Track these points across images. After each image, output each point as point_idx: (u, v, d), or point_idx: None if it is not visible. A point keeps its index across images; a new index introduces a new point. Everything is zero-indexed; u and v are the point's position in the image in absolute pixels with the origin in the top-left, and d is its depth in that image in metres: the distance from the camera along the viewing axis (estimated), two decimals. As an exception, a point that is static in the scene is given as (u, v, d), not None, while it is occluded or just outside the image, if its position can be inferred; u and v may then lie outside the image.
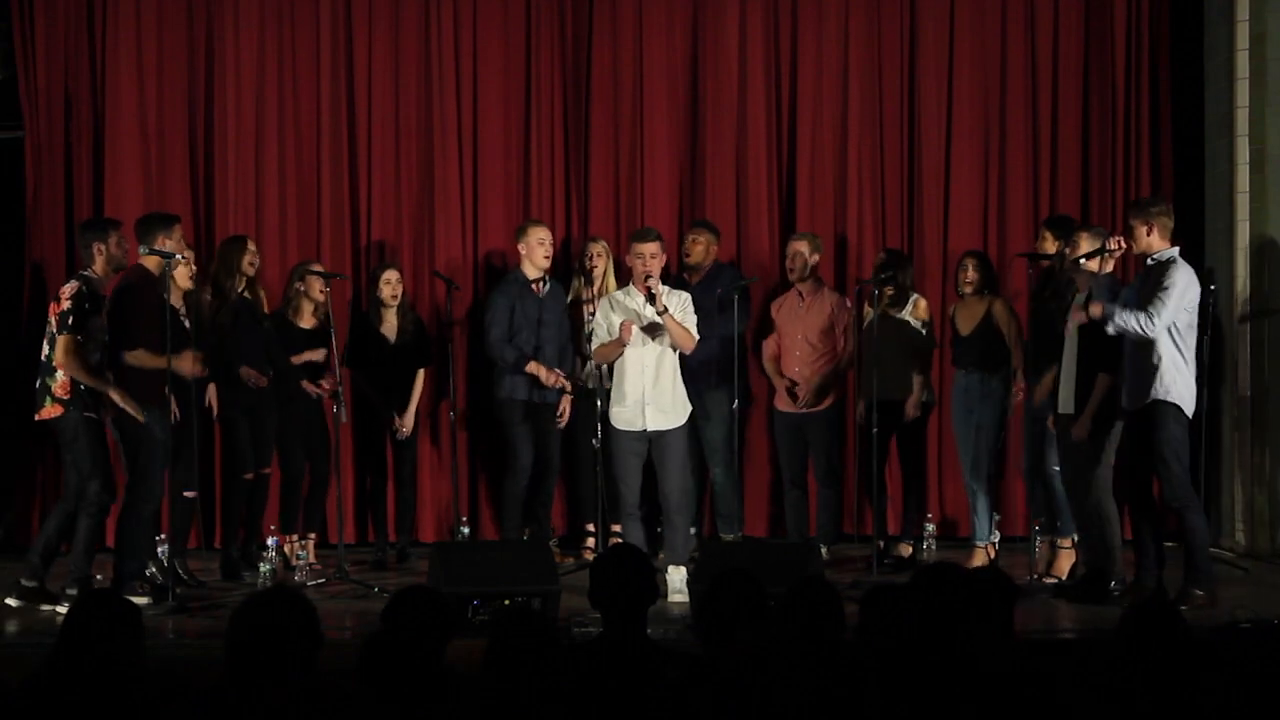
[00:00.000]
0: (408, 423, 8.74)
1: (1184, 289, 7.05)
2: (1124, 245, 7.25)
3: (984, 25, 9.52)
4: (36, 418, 7.29)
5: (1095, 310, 7.08)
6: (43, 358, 7.25)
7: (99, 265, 7.25)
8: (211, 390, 8.12)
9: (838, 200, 9.52)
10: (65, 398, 7.15)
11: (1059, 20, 9.52)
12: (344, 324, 8.81)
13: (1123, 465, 7.41)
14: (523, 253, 8.69)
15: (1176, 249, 7.24)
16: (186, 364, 7.40)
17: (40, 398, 7.24)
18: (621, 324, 7.63)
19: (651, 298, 7.57)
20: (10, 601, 7.22)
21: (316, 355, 8.37)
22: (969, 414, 8.40)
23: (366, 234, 9.39)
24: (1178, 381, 7.07)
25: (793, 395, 8.62)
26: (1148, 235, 7.18)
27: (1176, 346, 7.08)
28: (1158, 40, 9.51)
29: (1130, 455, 7.29)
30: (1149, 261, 7.20)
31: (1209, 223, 9.27)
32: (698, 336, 7.73)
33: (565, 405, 8.72)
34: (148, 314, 7.22)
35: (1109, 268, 7.36)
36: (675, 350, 7.74)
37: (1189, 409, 7.14)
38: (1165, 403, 7.06)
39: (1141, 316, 6.99)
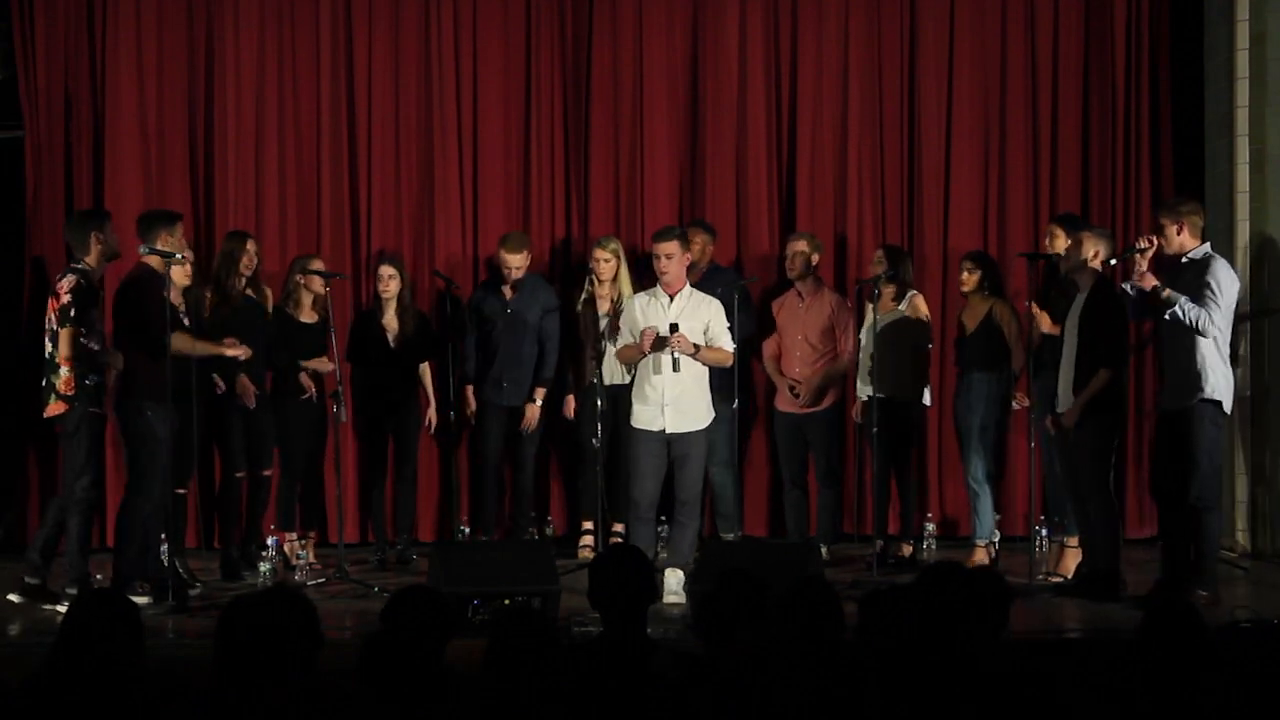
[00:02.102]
0: (431, 416, 8.80)
1: (1227, 286, 7.12)
2: (1153, 243, 7.29)
3: (984, 25, 9.52)
4: (44, 415, 7.30)
5: (1165, 294, 7.08)
6: (47, 355, 7.25)
7: (94, 257, 7.25)
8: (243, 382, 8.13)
9: (838, 200, 9.52)
10: (70, 394, 7.16)
11: (1059, 20, 9.53)
12: (345, 323, 8.83)
13: (1155, 463, 7.44)
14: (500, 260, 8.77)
15: (1208, 245, 7.30)
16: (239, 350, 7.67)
17: (45, 395, 7.25)
18: (643, 332, 7.56)
19: (674, 353, 7.48)
20: (12, 597, 7.23)
21: (322, 366, 8.35)
22: (970, 413, 8.41)
23: (366, 234, 9.39)
24: (1219, 380, 7.12)
25: (794, 394, 8.62)
26: (1179, 234, 7.23)
27: (1215, 343, 7.13)
28: (1158, 40, 9.51)
29: (1164, 454, 7.31)
30: (1183, 260, 7.24)
31: (1209, 223, 9.24)
32: (731, 347, 7.67)
33: (530, 414, 8.74)
34: (159, 314, 7.22)
35: (1142, 268, 7.38)
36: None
37: (1228, 405, 7.20)
38: (1207, 402, 7.11)
39: (1203, 316, 7.01)
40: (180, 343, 7.35)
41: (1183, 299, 7.06)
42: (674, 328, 7.43)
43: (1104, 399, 7.34)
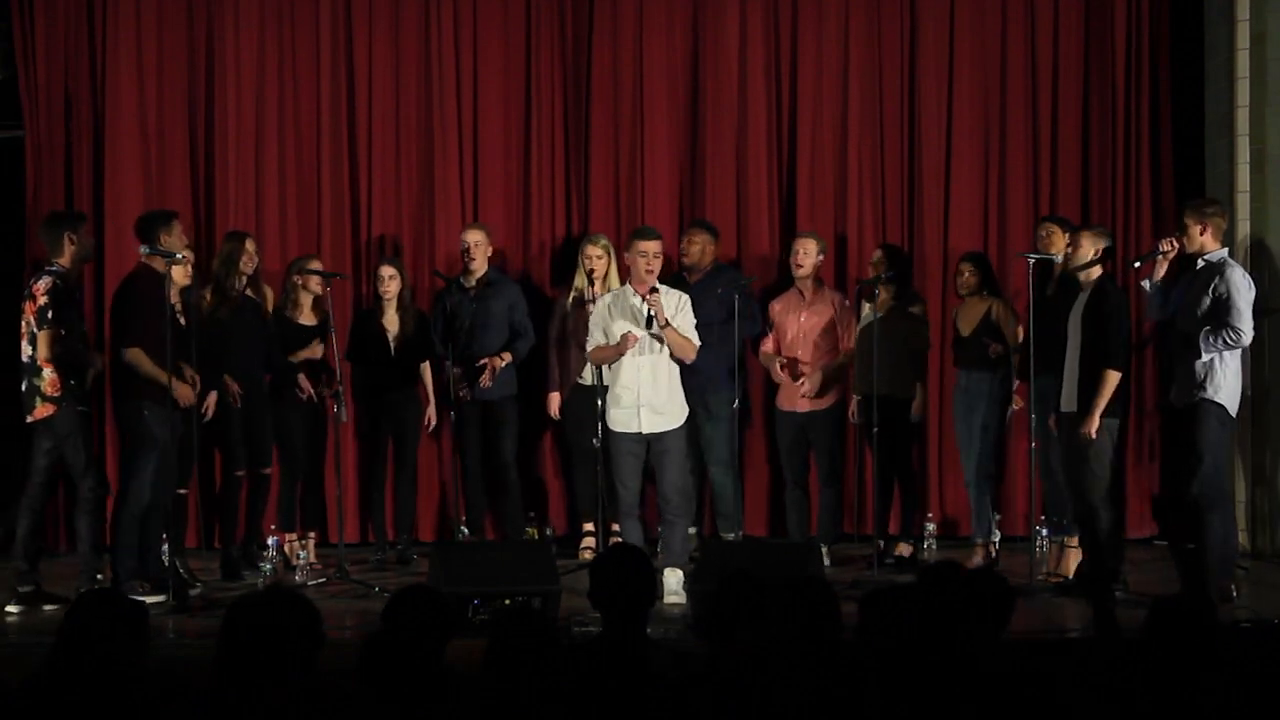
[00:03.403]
0: (431, 415, 8.78)
1: (1245, 290, 7.21)
2: (1175, 246, 7.35)
3: (984, 25, 9.52)
4: (29, 419, 7.27)
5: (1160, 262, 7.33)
6: (24, 359, 7.23)
7: (67, 258, 7.26)
8: (211, 397, 8.07)
9: (838, 200, 9.52)
10: (56, 395, 7.16)
11: (1059, 20, 9.52)
12: (345, 322, 8.84)
13: (1166, 464, 7.53)
14: None
15: (1226, 250, 7.40)
16: (184, 393, 7.41)
17: (29, 399, 7.22)
18: (626, 335, 7.60)
19: (650, 320, 7.54)
20: (10, 609, 7.20)
21: (314, 353, 8.36)
22: (970, 412, 8.42)
23: (367, 234, 9.40)
24: (1225, 381, 7.20)
25: (786, 371, 8.57)
26: (1201, 235, 7.34)
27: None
28: (1158, 40, 9.51)
29: (1174, 453, 7.40)
30: (1199, 262, 7.32)
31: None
32: (698, 342, 7.71)
33: (491, 363, 8.62)
34: (150, 313, 7.23)
35: (1162, 270, 7.46)
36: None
37: (1233, 409, 7.27)
38: (1211, 402, 7.18)
39: (1228, 333, 7.13)
40: (135, 355, 7.23)
41: (1202, 340, 7.14)
42: (653, 289, 7.59)
43: (1108, 397, 7.37)
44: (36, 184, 9.14)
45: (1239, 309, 7.15)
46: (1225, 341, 7.14)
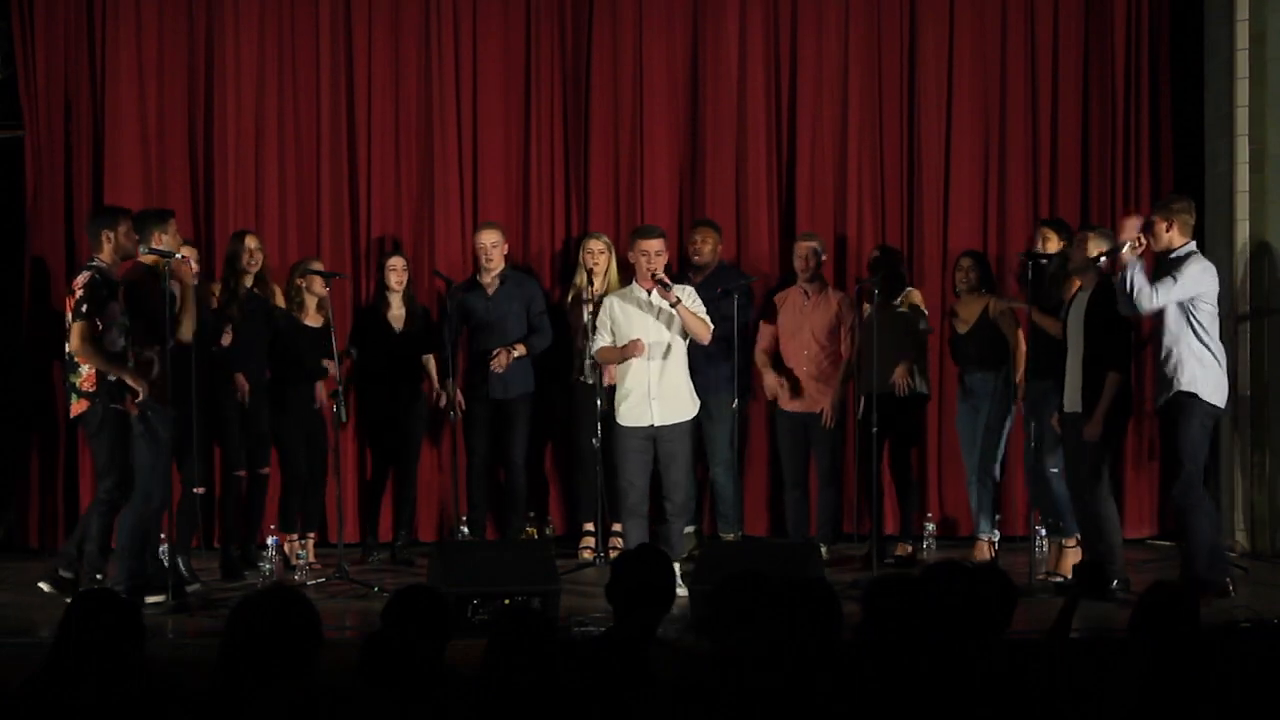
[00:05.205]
0: (453, 394, 8.64)
1: (1195, 277, 7.19)
2: (1142, 244, 7.34)
3: (984, 25, 9.52)
4: (70, 415, 7.32)
5: (1124, 254, 7.20)
6: (67, 355, 7.25)
7: (106, 253, 7.25)
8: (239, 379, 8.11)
9: (838, 200, 9.52)
10: (90, 391, 7.16)
11: (1059, 21, 9.52)
12: (346, 322, 8.83)
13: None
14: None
15: (1194, 244, 7.40)
16: (187, 328, 7.39)
17: (68, 395, 7.28)
18: (633, 342, 7.64)
19: (665, 285, 7.61)
20: (43, 585, 7.24)
21: (332, 368, 8.34)
22: (974, 412, 8.44)
23: (366, 234, 9.39)
24: (1199, 374, 7.19)
25: (794, 391, 8.58)
26: (1167, 232, 7.35)
27: (1199, 339, 7.22)
28: (1158, 40, 9.52)
29: (1165, 452, 7.47)
30: (1169, 257, 7.33)
31: (1209, 222, 9.24)
32: (713, 325, 7.77)
33: (501, 355, 8.57)
34: (150, 310, 7.23)
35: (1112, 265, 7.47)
36: (685, 340, 7.76)
37: (1214, 400, 7.25)
38: (1186, 393, 7.18)
39: (1147, 289, 7.10)
40: (100, 352, 7.13)
41: (1136, 266, 7.14)
42: (659, 280, 7.68)
43: (1110, 400, 7.37)
44: (36, 184, 9.13)
45: (1170, 285, 7.10)
46: (1139, 288, 7.05)
